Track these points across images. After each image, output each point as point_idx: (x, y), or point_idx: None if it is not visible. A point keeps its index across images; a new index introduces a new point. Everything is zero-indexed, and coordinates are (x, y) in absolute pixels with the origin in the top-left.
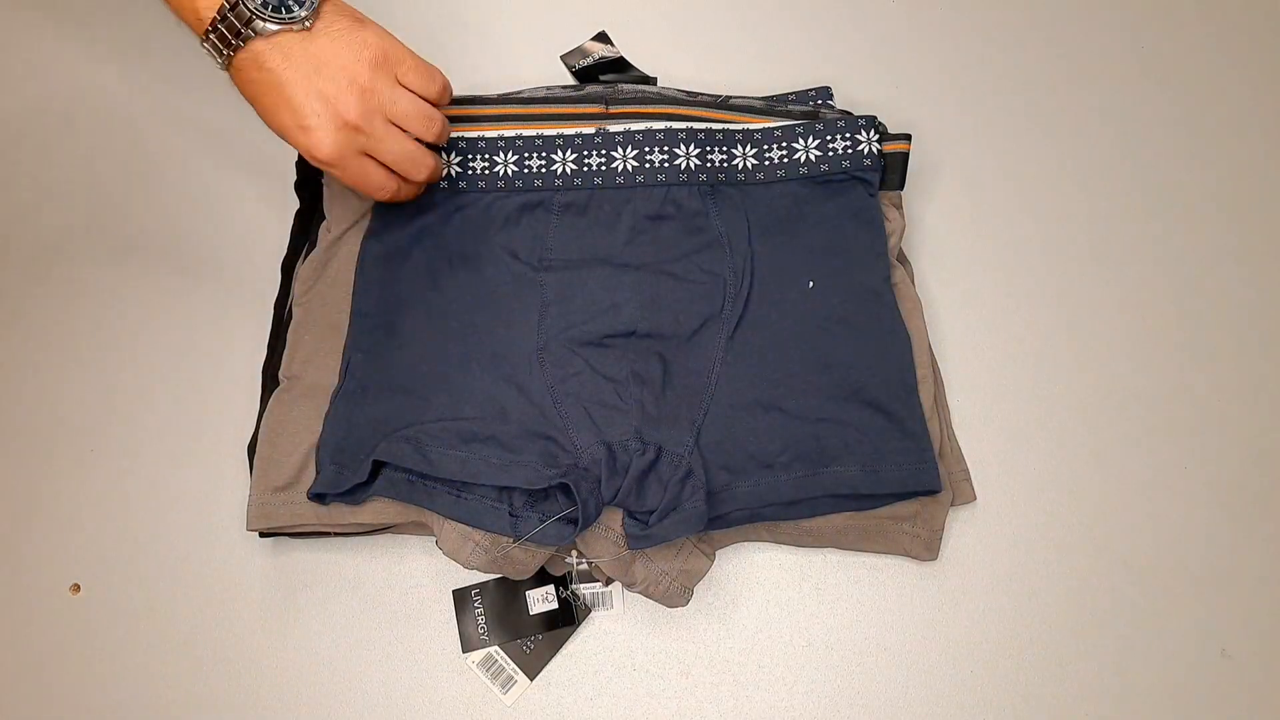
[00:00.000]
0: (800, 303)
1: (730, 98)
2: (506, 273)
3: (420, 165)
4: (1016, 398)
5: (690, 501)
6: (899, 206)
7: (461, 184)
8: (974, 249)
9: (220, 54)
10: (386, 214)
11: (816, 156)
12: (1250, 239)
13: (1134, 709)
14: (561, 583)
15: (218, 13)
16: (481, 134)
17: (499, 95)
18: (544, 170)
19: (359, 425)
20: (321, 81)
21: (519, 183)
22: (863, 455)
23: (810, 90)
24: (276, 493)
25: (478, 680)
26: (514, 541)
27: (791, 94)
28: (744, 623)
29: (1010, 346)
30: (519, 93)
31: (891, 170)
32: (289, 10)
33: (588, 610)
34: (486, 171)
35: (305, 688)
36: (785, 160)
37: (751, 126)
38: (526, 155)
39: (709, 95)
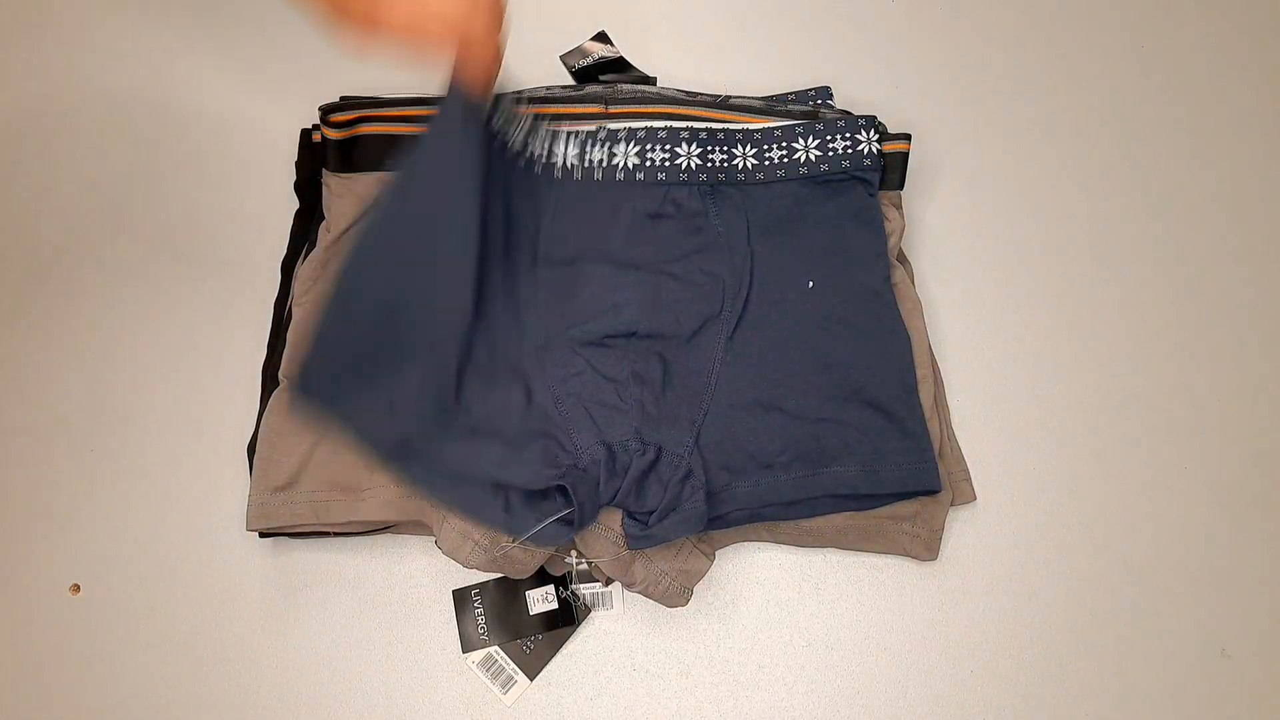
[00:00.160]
0: (800, 303)
1: (730, 97)
2: (500, 264)
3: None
4: (1016, 398)
5: (690, 502)
6: (899, 206)
7: None
8: (974, 249)
9: None
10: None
11: (816, 156)
12: (1250, 239)
13: (1134, 709)
14: (561, 583)
15: None
16: None
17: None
18: (546, 163)
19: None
20: None
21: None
22: (863, 455)
23: (810, 90)
24: (276, 493)
25: (478, 680)
26: (513, 541)
27: (791, 94)
28: (744, 623)
29: (1010, 346)
30: (519, 93)
31: (891, 170)
32: None
33: (588, 610)
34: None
35: (305, 688)
36: (785, 160)
37: (751, 126)
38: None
39: (709, 95)
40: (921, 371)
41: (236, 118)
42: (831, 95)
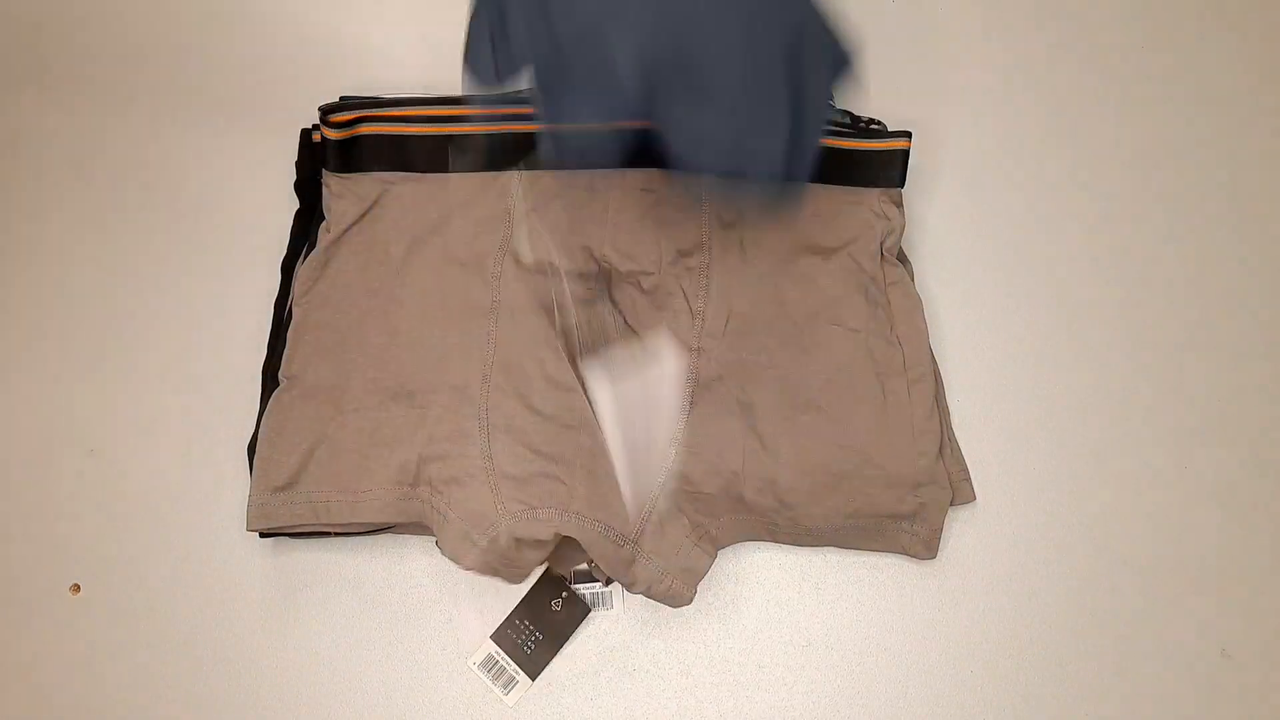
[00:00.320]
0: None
1: None
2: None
3: None
4: (1016, 398)
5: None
6: (899, 204)
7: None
8: (974, 249)
9: None
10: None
11: None
12: (1250, 239)
13: (1134, 709)
14: (562, 583)
15: None
16: (474, 133)
17: (498, 95)
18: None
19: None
20: None
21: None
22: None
23: None
24: (276, 493)
25: (479, 681)
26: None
27: None
28: (744, 623)
29: (1010, 346)
30: (519, 92)
31: (892, 167)
32: None
33: (588, 610)
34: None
35: (305, 688)
36: None
37: None
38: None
39: None
40: (921, 371)
41: (236, 118)
42: (831, 95)
